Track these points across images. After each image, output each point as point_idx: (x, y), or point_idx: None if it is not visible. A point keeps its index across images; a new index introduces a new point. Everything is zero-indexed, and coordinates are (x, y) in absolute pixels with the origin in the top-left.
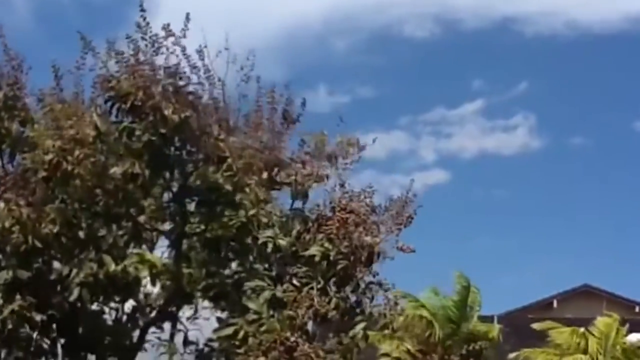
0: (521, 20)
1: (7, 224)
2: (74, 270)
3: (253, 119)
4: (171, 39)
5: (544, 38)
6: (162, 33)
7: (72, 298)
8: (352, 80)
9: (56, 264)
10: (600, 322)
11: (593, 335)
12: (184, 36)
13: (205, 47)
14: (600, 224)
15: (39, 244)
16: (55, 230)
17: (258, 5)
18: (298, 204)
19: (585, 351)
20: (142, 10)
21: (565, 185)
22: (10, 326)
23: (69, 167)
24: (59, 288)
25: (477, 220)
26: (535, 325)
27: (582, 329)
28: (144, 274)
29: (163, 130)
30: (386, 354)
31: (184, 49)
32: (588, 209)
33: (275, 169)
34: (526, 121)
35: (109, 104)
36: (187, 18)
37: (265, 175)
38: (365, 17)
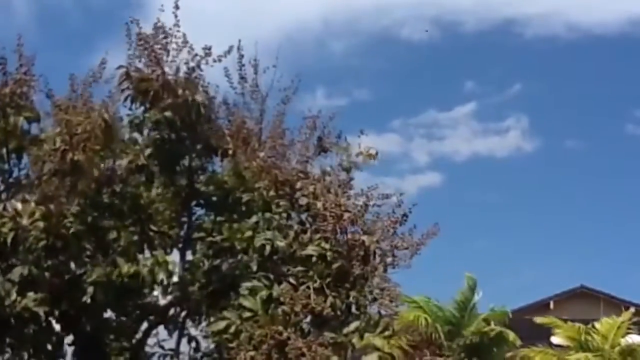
0: (521, 22)
1: (25, 221)
2: (88, 270)
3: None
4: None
5: (543, 40)
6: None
7: (85, 298)
8: (350, 82)
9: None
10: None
11: (591, 335)
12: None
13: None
14: (596, 225)
15: (58, 242)
16: (74, 230)
17: (257, 7)
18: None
19: (584, 351)
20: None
21: (558, 188)
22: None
23: (75, 157)
24: (73, 287)
25: (471, 223)
26: (538, 320)
27: (578, 324)
28: (161, 276)
29: (169, 114)
30: (377, 349)
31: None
32: (583, 211)
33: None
34: (519, 124)
35: (125, 94)
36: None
37: (272, 180)
38: (365, 20)
